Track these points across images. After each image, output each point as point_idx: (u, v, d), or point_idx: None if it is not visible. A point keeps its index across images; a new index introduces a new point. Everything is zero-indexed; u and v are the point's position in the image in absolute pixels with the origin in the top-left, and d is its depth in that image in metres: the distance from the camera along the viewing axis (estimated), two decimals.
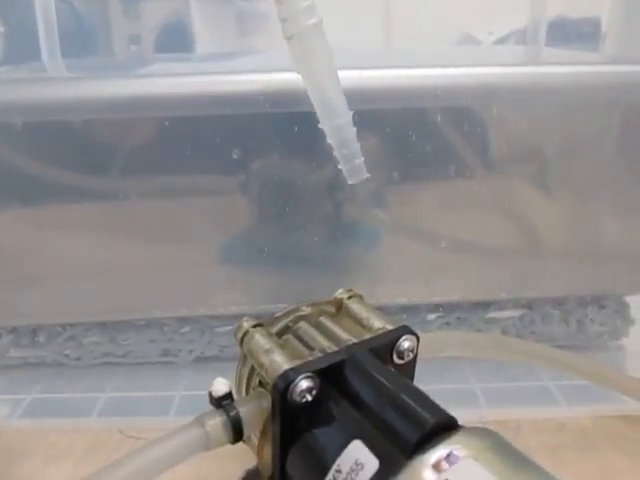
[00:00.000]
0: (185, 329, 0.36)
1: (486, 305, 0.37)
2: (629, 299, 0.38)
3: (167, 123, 0.31)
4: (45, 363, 0.36)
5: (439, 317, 0.37)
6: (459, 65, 0.32)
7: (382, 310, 0.37)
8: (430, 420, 0.17)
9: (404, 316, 0.37)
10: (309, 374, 0.19)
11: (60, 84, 0.32)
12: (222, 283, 0.35)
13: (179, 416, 0.32)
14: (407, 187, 0.34)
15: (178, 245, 0.34)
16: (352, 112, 0.26)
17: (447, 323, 0.37)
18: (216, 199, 0.34)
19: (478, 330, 0.37)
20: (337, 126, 0.25)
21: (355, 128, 0.26)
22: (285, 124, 0.31)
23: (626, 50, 0.42)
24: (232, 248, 0.35)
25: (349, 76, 0.30)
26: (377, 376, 0.20)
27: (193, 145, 0.32)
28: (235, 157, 0.32)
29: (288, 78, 0.29)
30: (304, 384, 0.19)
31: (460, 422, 0.32)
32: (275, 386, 0.19)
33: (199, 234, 0.34)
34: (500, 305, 0.37)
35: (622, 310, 0.37)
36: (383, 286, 0.36)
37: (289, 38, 0.24)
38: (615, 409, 0.32)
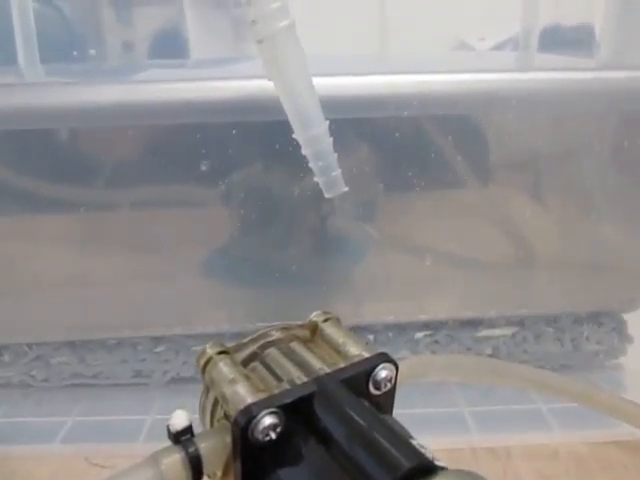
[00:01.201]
0: (159, 348, 0.35)
1: (476, 323, 0.35)
2: (627, 316, 0.36)
3: (146, 132, 0.29)
4: (10, 384, 0.34)
5: (427, 336, 0.35)
6: (450, 72, 0.30)
7: (367, 329, 0.36)
8: (405, 464, 0.16)
9: (390, 335, 0.35)
10: (273, 409, 0.17)
11: (31, 90, 0.31)
12: (200, 300, 0.34)
13: (149, 442, 0.30)
14: (395, 199, 0.32)
15: (154, 259, 0.33)
16: (328, 121, 0.24)
17: (435, 342, 0.35)
18: (195, 211, 0.32)
19: (468, 349, 0.35)
20: (312, 137, 0.24)
21: (331, 139, 0.25)
22: (267, 133, 0.30)
23: (620, 56, 0.41)
24: (212, 263, 0.33)
25: (334, 83, 0.29)
26: (349, 411, 0.18)
27: (171, 155, 0.30)
28: (210, 168, 0.30)
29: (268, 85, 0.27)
30: (267, 421, 0.17)
31: (448, 448, 0.30)
32: (235, 422, 0.17)
33: (177, 248, 0.33)
34: (491, 323, 0.35)
35: (619, 327, 0.36)
36: (369, 303, 0.34)
37: (259, 42, 0.22)
38: (611, 435, 0.30)
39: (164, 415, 0.32)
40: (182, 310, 0.34)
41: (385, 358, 0.20)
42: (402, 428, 0.19)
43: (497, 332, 0.35)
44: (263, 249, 0.33)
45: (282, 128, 0.28)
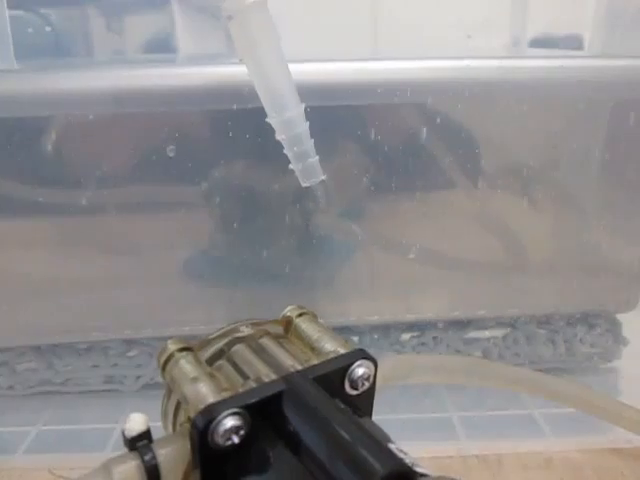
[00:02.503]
0: (132, 352, 0.33)
1: (465, 324, 0.34)
2: (621, 317, 0.35)
3: (121, 130, 0.28)
4: None
5: (414, 337, 0.34)
6: (439, 58, 0.29)
7: (352, 331, 0.34)
8: (379, 470, 0.14)
9: (375, 336, 0.34)
10: (236, 410, 0.16)
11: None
12: (177, 301, 0.32)
13: (117, 452, 0.28)
14: (381, 198, 0.31)
15: (128, 261, 0.31)
16: (304, 104, 0.23)
17: (422, 344, 0.33)
18: (174, 211, 0.30)
19: (457, 351, 0.33)
20: (286, 120, 0.22)
21: (308, 123, 0.23)
22: (248, 124, 0.28)
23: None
24: (192, 263, 0.31)
25: (318, 69, 0.27)
26: (321, 413, 0.16)
27: (148, 150, 0.29)
28: (189, 166, 0.28)
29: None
30: (229, 423, 0.16)
31: (436, 456, 0.29)
32: (193, 425, 0.16)
33: (154, 249, 0.31)
34: (481, 324, 0.34)
35: (614, 329, 0.34)
36: (354, 303, 0.33)
37: (229, 19, 0.21)
38: (608, 441, 0.29)
39: None
40: (157, 312, 0.32)
41: (362, 355, 0.18)
42: (380, 431, 0.17)
43: (487, 333, 0.34)
44: (244, 248, 0.32)
45: (262, 119, 0.27)
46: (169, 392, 0.19)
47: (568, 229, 0.33)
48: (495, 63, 0.30)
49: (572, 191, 0.32)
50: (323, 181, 0.30)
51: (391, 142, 0.30)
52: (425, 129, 0.30)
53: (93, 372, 0.33)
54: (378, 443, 0.15)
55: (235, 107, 0.27)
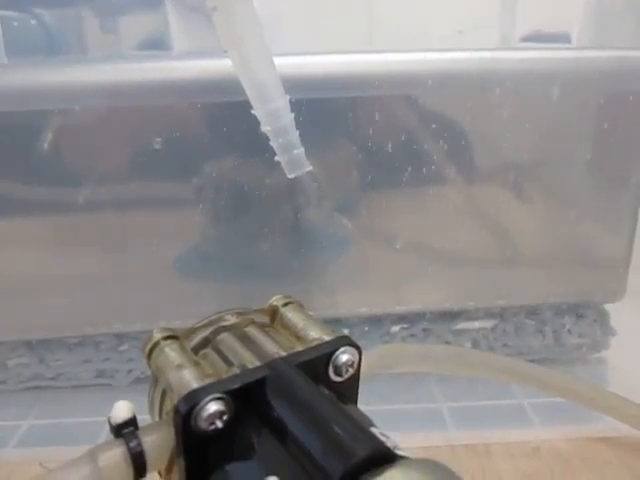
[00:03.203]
0: (123, 347, 0.33)
1: (454, 315, 0.34)
2: (609, 307, 0.35)
3: (109, 121, 0.28)
4: None
5: (403, 329, 0.34)
6: (430, 50, 0.29)
7: (343, 323, 0.34)
8: (359, 452, 0.14)
9: (365, 328, 0.34)
10: (219, 395, 0.16)
11: None
12: (169, 297, 0.32)
13: None
14: (372, 192, 0.31)
15: (120, 256, 0.31)
16: (289, 96, 0.23)
17: (412, 335, 0.34)
18: (165, 205, 0.31)
19: (446, 342, 0.34)
20: (271, 111, 0.23)
21: (293, 114, 0.23)
22: (239, 118, 0.28)
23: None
24: (183, 259, 0.31)
25: (310, 62, 0.28)
26: (304, 398, 0.16)
27: (137, 145, 0.29)
28: (180, 161, 0.28)
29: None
30: (212, 407, 0.16)
31: (424, 446, 0.29)
32: (177, 410, 0.16)
33: (145, 244, 0.31)
34: (470, 315, 0.34)
35: (602, 319, 0.35)
36: (344, 295, 0.33)
37: (213, 10, 0.21)
38: (595, 430, 0.29)
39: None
40: (148, 307, 0.32)
41: (347, 341, 0.19)
42: (363, 416, 0.18)
43: (476, 325, 0.34)
44: (236, 243, 0.32)
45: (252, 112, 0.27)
46: (155, 381, 0.19)
47: (555, 221, 0.33)
48: (487, 55, 0.30)
49: (560, 183, 0.33)
50: (313, 175, 0.30)
51: (382, 136, 0.30)
52: (416, 122, 0.30)
53: (84, 366, 0.33)
54: (360, 426, 0.15)
55: (225, 100, 0.27)
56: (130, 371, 0.33)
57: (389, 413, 0.31)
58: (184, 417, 0.16)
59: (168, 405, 0.19)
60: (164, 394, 0.19)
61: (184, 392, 0.16)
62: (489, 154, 0.32)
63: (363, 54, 0.29)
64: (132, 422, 0.17)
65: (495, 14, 0.46)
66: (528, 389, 0.31)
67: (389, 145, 0.30)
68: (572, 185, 0.33)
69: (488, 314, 0.34)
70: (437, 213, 0.32)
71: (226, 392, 0.16)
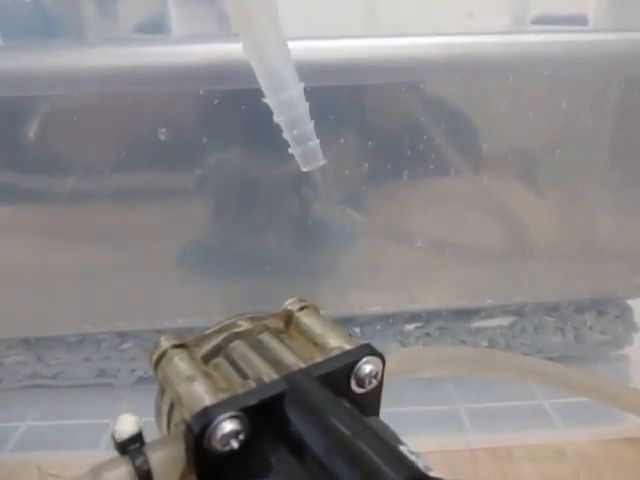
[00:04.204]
0: (125, 345, 0.32)
1: (471, 313, 0.33)
2: (632, 302, 0.34)
3: (109, 108, 0.27)
4: None
5: (418, 328, 0.33)
6: (440, 34, 0.27)
7: (354, 322, 0.33)
8: (393, 478, 0.13)
9: (378, 327, 0.32)
10: (235, 413, 0.15)
11: None
12: (172, 293, 0.31)
13: (112, 449, 0.27)
14: (383, 184, 0.30)
15: (121, 250, 0.30)
16: (303, 84, 0.21)
17: (427, 334, 0.33)
18: (167, 197, 0.29)
19: (462, 342, 0.32)
20: (285, 100, 0.21)
21: (307, 104, 0.22)
22: (245, 106, 0.27)
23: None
24: (186, 253, 0.30)
25: (316, 47, 0.26)
26: (326, 414, 0.15)
27: (138, 134, 0.27)
28: (183, 150, 0.27)
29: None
30: (227, 427, 0.14)
31: (443, 450, 0.28)
32: (189, 429, 0.14)
33: (147, 238, 0.30)
34: (487, 313, 0.33)
35: (624, 315, 0.33)
36: (355, 293, 0.32)
37: None
38: (622, 431, 0.28)
39: None
40: (151, 304, 0.31)
41: (369, 350, 0.17)
42: (390, 433, 0.16)
43: (493, 322, 0.33)
44: (241, 237, 0.30)
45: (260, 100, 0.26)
46: (162, 390, 0.18)
47: (574, 213, 0.32)
48: (498, 39, 0.28)
49: (578, 173, 0.31)
50: (322, 167, 0.29)
51: (392, 126, 0.29)
52: (426, 112, 0.29)
53: (85, 365, 0.32)
54: (390, 448, 0.14)
55: (230, 87, 0.26)
56: (133, 370, 0.32)
57: (403, 416, 0.29)
58: (197, 437, 0.14)
59: (177, 417, 0.17)
60: (172, 405, 0.17)
61: (196, 409, 0.15)
62: (504, 145, 0.30)
63: (370, 39, 0.27)
64: (138, 438, 0.16)
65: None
66: (547, 389, 0.30)
67: (399, 136, 0.29)
68: (591, 175, 0.31)
69: (505, 311, 0.33)
70: (451, 206, 0.30)
71: (242, 409, 0.15)
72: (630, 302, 0.33)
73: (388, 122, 0.29)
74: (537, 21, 0.46)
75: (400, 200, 0.30)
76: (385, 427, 0.17)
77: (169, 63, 0.25)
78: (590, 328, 0.33)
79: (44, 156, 0.27)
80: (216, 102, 0.27)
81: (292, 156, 0.28)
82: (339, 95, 0.27)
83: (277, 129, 0.23)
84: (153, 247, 0.30)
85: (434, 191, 0.30)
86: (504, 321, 0.33)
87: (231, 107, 0.27)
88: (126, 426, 0.16)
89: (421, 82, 0.28)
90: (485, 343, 0.33)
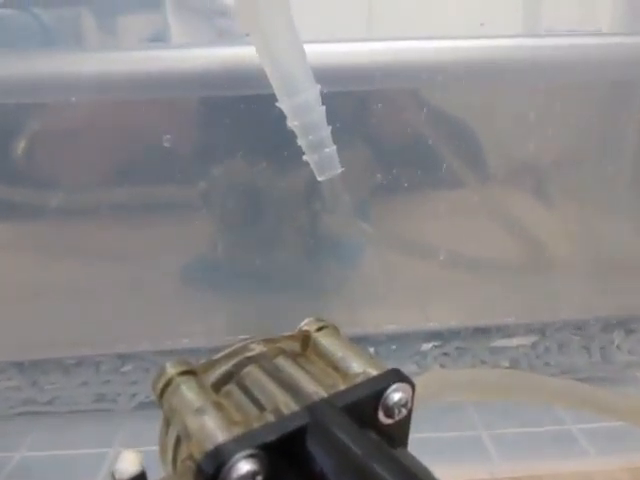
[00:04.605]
0: (126, 368, 0.30)
1: (491, 331, 0.31)
2: None
3: (110, 118, 0.25)
4: None
5: (435, 347, 0.31)
6: (449, 38, 0.26)
7: (367, 341, 0.31)
8: None
9: (393, 347, 0.31)
10: (252, 451, 0.13)
11: None
12: (175, 312, 0.29)
13: None
14: (396, 195, 0.28)
15: (121, 267, 0.28)
16: (319, 86, 0.20)
17: (445, 354, 0.31)
18: (170, 211, 0.28)
19: (482, 362, 0.31)
20: (300, 104, 0.19)
21: (324, 107, 0.20)
22: (252, 114, 0.25)
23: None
24: (190, 270, 0.28)
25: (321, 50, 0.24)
26: (353, 449, 0.13)
27: (140, 145, 0.26)
28: (186, 162, 0.26)
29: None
30: (244, 467, 0.13)
31: (467, 479, 0.26)
32: (200, 470, 0.13)
33: (149, 254, 0.28)
34: (508, 331, 0.31)
35: None
36: (368, 311, 0.30)
37: None
38: None
39: (130, 447, 0.27)
40: (153, 323, 0.29)
41: (398, 376, 0.16)
42: (422, 468, 0.14)
43: (515, 342, 0.31)
44: (247, 253, 0.29)
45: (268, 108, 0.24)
46: (167, 422, 0.16)
47: (600, 227, 0.30)
48: (511, 42, 0.27)
49: (600, 185, 0.30)
50: (332, 179, 0.28)
51: (403, 135, 0.28)
52: (437, 123, 0.27)
53: (82, 390, 0.30)
54: None
55: (235, 94, 0.24)
56: (134, 395, 0.30)
57: (420, 443, 0.27)
58: (210, 479, 0.12)
59: (184, 452, 0.16)
60: (179, 438, 0.16)
61: (209, 447, 0.13)
62: (524, 158, 0.29)
63: (376, 42, 0.25)
64: (141, 477, 0.14)
65: (519, 3, 0.43)
66: (575, 413, 0.28)
67: (410, 145, 0.27)
68: (613, 186, 0.30)
69: (528, 330, 0.31)
70: (466, 220, 0.29)
71: (260, 447, 0.13)
72: None
73: (398, 132, 0.28)
74: (548, 31, 0.44)
75: (413, 213, 0.29)
76: (416, 461, 0.15)
77: (170, 68, 0.24)
78: (618, 347, 0.31)
79: (40, 170, 0.26)
80: (220, 111, 0.26)
81: (299, 167, 0.27)
82: (346, 103, 0.26)
83: (286, 138, 0.22)
84: (156, 264, 0.28)
85: (448, 204, 0.28)
86: (526, 340, 0.31)
87: (236, 116, 0.25)
88: (127, 464, 0.14)
89: (429, 88, 0.26)
90: (506, 363, 0.31)
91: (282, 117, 0.21)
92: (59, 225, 0.27)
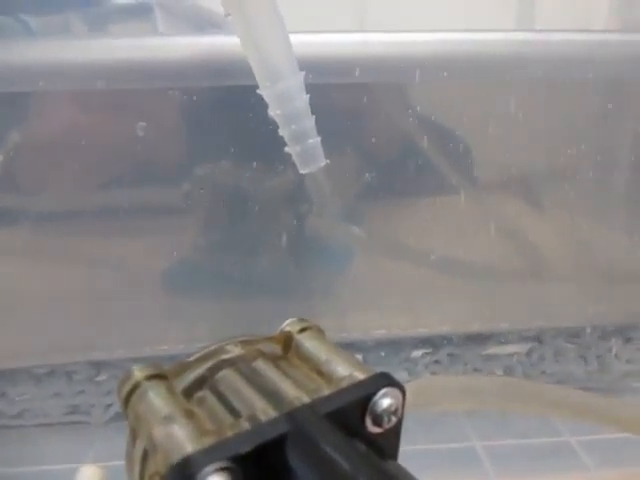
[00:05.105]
0: (100, 377, 0.29)
1: (484, 338, 0.30)
2: None
3: (89, 112, 0.24)
4: None
5: (426, 354, 0.30)
6: (438, 30, 0.25)
7: (355, 347, 0.30)
8: None
9: (382, 353, 0.29)
10: (225, 463, 0.11)
11: None
12: (153, 316, 0.28)
13: None
14: (384, 198, 0.28)
15: (95, 270, 0.27)
16: (304, 72, 0.19)
17: (436, 362, 0.30)
18: (152, 214, 0.27)
19: (475, 369, 0.30)
20: (282, 91, 0.18)
21: (308, 96, 0.19)
22: (235, 113, 0.24)
23: None
24: (172, 274, 0.27)
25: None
26: (339, 461, 0.12)
27: (119, 145, 0.25)
28: (169, 163, 0.24)
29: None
30: None
31: None
32: None
33: (125, 256, 0.27)
34: (502, 338, 0.30)
35: None
36: (357, 315, 0.29)
37: None
38: None
39: (105, 462, 0.26)
40: (130, 329, 0.28)
41: (387, 381, 0.14)
42: None
43: (509, 349, 0.30)
44: (230, 256, 0.28)
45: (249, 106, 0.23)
46: (134, 435, 0.14)
47: (597, 233, 0.30)
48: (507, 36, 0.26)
49: (599, 191, 0.29)
50: (317, 180, 0.27)
51: (393, 136, 0.27)
52: (428, 125, 0.27)
53: (54, 401, 0.28)
54: None
55: (217, 84, 0.23)
56: (109, 406, 0.29)
57: (411, 455, 0.26)
58: None
59: (152, 467, 0.14)
60: (147, 452, 0.14)
61: (175, 458, 0.12)
62: (518, 162, 0.28)
63: (365, 33, 0.24)
64: None
65: (512, 8, 0.43)
66: (572, 424, 0.27)
67: (401, 147, 0.27)
68: (609, 193, 0.29)
69: (523, 337, 0.30)
70: (459, 224, 0.28)
71: (233, 458, 0.11)
72: None
73: (389, 133, 0.27)
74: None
75: (403, 216, 0.28)
76: (408, 475, 0.14)
77: (150, 58, 0.23)
78: (616, 356, 0.30)
79: (14, 174, 0.25)
80: (204, 109, 0.24)
81: (286, 167, 0.26)
82: (335, 98, 0.25)
83: (271, 135, 0.21)
84: (135, 267, 0.27)
85: (440, 207, 0.28)
86: (521, 348, 0.30)
87: (220, 114, 0.24)
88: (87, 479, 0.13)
89: (418, 86, 0.26)
90: (500, 371, 0.30)
91: (270, 118, 0.20)
92: (32, 230, 0.26)
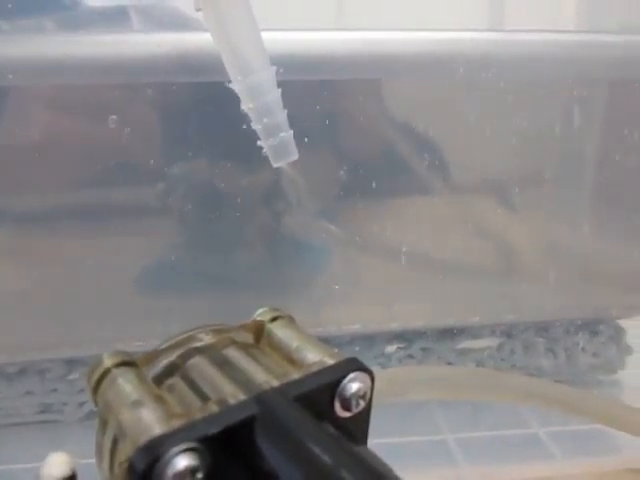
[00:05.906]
0: (73, 375, 0.28)
1: (456, 333, 0.30)
2: (625, 323, 0.32)
3: (59, 109, 0.24)
4: None
5: (400, 349, 0.30)
6: (414, 29, 0.26)
7: (330, 342, 0.30)
8: None
9: (356, 348, 0.30)
10: (191, 444, 0.11)
11: None
12: (128, 313, 0.28)
13: None
14: (360, 195, 0.28)
15: (68, 266, 0.27)
16: (275, 67, 0.19)
17: (410, 356, 0.30)
18: (126, 212, 0.26)
19: (448, 363, 0.30)
20: (253, 84, 0.18)
21: (280, 90, 0.19)
22: (210, 110, 0.24)
23: None
24: (148, 271, 0.27)
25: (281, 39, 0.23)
26: (306, 443, 0.12)
27: (91, 140, 0.24)
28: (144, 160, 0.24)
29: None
30: (181, 462, 0.11)
31: None
32: (131, 466, 0.11)
33: (98, 252, 0.27)
34: (473, 333, 0.31)
35: (617, 337, 0.32)
36: (331, 310, 0.29)
37: None
38: (624, 461, 0.26)
39: (79, 459, 0.26)
40: (103, 326, 0.28)
41: (356, 365, 0.15)
42: (384, 466, 0.13)
43: (481, 343, 0.30)
44: (206, 252, 0.28)
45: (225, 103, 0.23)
46: (104, 423, 0.14)
47: (565, 230, 0.30)
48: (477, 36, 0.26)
49: (568, 189, 0.30)
50: (293, 178, 0.27)
51: (367, 134, 0.27)
52: (404, 124, 0.27)
53: (26, 400, 0.28)
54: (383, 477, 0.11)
55: (192, 80, 0.23)
56: (82, 404, 0.28)
57: (383, 447, 0.26)
58: (142, 477, 0.11)
59: (121, 454, 0.14)
60: (116, 440, 0.14)
61: (142, 440, 0.12)
62: (489, 159, 0.29)
63: (339, 32, 0.25)
64: None
65: (484, 8, 0.43)
66: (542, 416, 0.27)
67: (379, 144, 0.27)
68: (582, 192, 0.30)
69: (494, 332, 0.31)
70: (433, 221, 0.29)
71: (201, 440, 0.12)
72: (623, 323, 0.32)
73: (366, 129, 0.27)
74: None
75: (380, 213, 0.28)
76: (378, 459, 0.14)
77: (123, 54, 0.23)
78: (583, 350, 0.31)
79: None
80: (178, 106, 0.24)
81: (263, 165, 0.26)
82: (311, 97, 0.25)
83: (247, 133, 0.21)
84: (109, 264, 0.27)
85: (414, 206, 0.28)
86: (492, 342, 0.30)
87: (195, 112, 0.24)
88: (55, 469, 0.13)
89: (392, 82, 0.26)
90: (472, 365, 0.30)
91: (244, 114, 0.20)
92: (4, 230, 0.25)
